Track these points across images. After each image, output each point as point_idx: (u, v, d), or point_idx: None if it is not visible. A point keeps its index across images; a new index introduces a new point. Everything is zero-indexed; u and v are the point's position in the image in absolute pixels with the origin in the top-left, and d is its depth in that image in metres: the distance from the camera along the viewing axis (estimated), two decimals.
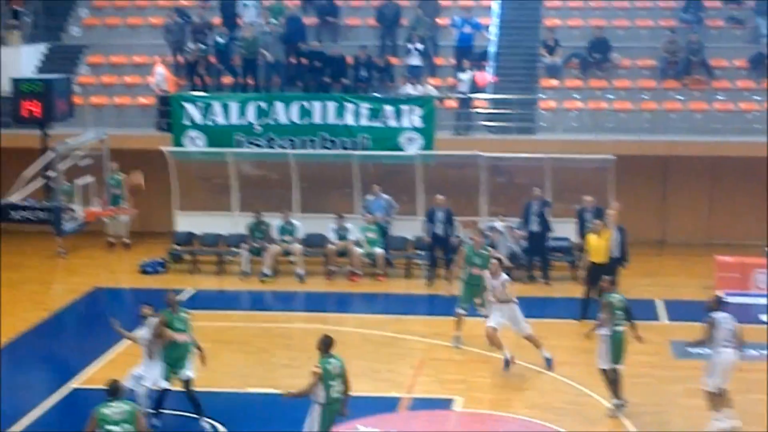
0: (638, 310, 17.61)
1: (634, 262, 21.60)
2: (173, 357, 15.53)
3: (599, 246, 20.39)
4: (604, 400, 16.38)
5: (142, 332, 15.38)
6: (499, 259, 18.70)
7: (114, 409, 12.14)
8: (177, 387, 15.51)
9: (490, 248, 19.92)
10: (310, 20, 28.42)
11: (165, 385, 15.44)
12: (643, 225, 21.49)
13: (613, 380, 16.07)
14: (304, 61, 27.10)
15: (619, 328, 16.00)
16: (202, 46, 27.08)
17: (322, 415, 13.46)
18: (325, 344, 13.59)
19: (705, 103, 26.08)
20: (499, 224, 23.13)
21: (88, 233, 25.23)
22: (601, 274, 18.24)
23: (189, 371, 15.57)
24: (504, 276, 17.96)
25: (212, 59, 27.43)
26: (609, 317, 15.97)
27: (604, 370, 16.08)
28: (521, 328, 17.99)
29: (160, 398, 15.47)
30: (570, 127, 26.00)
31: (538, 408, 16.34)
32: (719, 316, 15.22)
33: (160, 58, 27.02)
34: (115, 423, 12.02)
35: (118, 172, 17.89)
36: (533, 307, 21.76)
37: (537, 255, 23.41)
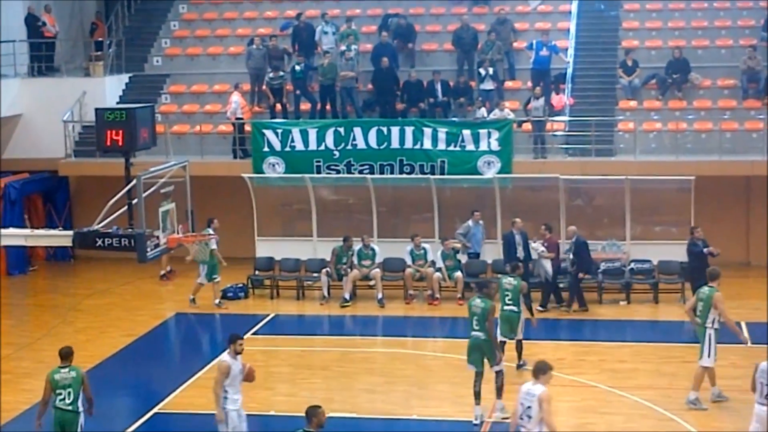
0: (724, 333, 17.35)
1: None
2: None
3: None
4: (687, 424, 16.19)
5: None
6: None
7: (64, 374, 14.16)
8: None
9: None
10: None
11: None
12: (726, 247, 21.24)
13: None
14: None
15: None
16: (282, 74, 27.40)
17: None
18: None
19: None
20: (538, 245, 22.83)
21: (170, 259, 25.64)
22: None
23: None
24: None
25: (290, 86, 27.72)
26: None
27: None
28: None
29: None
30: (649, 149, 25.77)
31: None
32: None
33: (236, 86, 27.35)
34: (63, 387, 14.07)
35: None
36: (614, 330, 21.66)
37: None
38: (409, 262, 23.93)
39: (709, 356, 16.69)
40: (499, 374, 16.60)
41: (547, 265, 22.57)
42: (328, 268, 24.01)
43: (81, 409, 14.37)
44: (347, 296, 23.70)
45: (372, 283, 24.00)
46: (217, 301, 23.73)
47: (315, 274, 24.46)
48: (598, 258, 23.87)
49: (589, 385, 18.31)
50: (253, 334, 21.61)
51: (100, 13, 31.67)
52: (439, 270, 23.68)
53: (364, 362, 19.78)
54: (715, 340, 16.66)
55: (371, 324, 22.77)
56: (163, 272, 26.06)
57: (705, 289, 16.83)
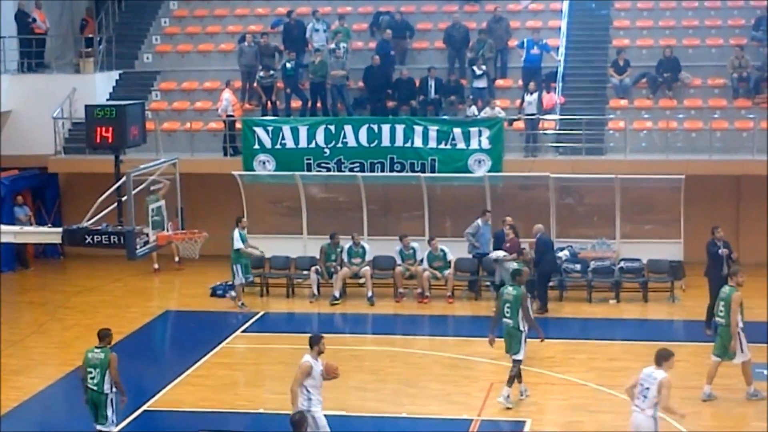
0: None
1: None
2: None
3: None
4: (676, 423, 16.20)
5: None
6: None
7: (95, 354, 14.83)
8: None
9: None
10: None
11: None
12: None
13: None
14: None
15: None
16: (273, 71, 27.38)
17: None
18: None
19: None
20: (500, 253, 22.69)
21: (160, 256, 25.59)
22: None
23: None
24: None
25: (281, 84, 27.69)
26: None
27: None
28: None
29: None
30: (639, 148, 25.79)
31: (611, 430, 16.20)
32: None
33: (227, 83, 27.32)
34: (93, 366, 14.77)
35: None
36: (603, 329, 21.68)
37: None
38: (399, 262, 23.91)
39: (742, 351, 16.97)
40: (516, 363, 17.02)
41: (511, 267, 22.31)
42: (317, 266, 23.99)
43: (108, 391, 14.82)
44: (337, 294, 23.67)
45: (362, 281, 23.99)
46: (239, 301, 23.31)
47: (305, 272, 24.42)
48: (587, 257, 23.89)
49: (579, 383, 18.32)
50: (243, 331, 21.60)
51: (91, 10, 31.56)
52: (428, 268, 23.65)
53: (353, 360, 19.75)
54: (744, 336, 17.00)
55: (361, 322, 22.75)
56: (177, 258, 25.93)
57: (726, 288, 17.18)
